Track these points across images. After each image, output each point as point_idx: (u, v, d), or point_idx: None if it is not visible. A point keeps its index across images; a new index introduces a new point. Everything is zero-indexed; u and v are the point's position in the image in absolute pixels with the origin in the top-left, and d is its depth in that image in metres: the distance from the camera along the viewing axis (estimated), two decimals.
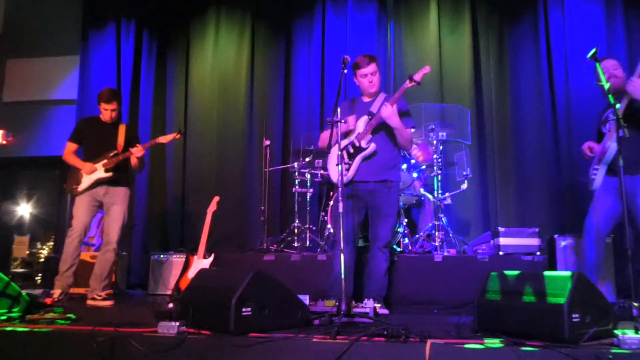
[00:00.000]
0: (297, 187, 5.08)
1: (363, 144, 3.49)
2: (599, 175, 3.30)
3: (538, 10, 5.60)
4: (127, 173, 4.24)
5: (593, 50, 2.86)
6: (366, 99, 3.67)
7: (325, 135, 3.70)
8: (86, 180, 4.05)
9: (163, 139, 4.23)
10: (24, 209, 7.00)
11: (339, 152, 3.00)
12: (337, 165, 2.98)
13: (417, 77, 3.33)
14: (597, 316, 2.18)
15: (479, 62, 5.70)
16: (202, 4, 6.41)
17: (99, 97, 4.12)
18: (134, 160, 4.12)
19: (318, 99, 5.94)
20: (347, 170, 3.47)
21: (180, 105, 6.28)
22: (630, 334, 2.05)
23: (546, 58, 5.49)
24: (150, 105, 6.25)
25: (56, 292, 3.87)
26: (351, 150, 3.52)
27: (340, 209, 2.90)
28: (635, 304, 2.37)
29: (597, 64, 2.97)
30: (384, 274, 3.48)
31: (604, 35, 5.30)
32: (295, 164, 5.10)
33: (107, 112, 4.10)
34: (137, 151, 4.04)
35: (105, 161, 4.06)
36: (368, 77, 3.55)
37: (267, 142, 5.28)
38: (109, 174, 4.04)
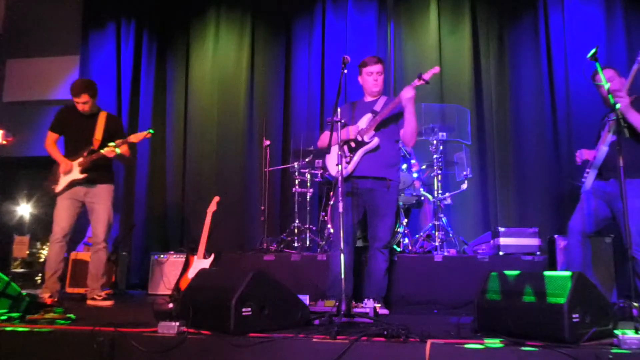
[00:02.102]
0: (297, 187, 5.08)
1: (366, 138, 3.49)
2: (589, 178, 3.32)
3: (538, 10, 5.60)
4: (109, 169, 4.09)
5: (593, 51, 2.86)
6: (368, 99, 3.67)
7: (325, 136, 3.70)
8: (63, 181, 3.93)
9: (134, 138, 3.98)
10: (24, 209, 7.01)
11: (339, 152, 3.00)
12: (337, 165, 2.98)
13: (427, 76, 3.36)
14: (597, 316, 2.18)
15: (479, 62, 5.70)
16: (202, 4, 6.41)
17: (70, 89, 3.98)
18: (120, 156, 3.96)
19: (318, 99, 5.94)
20: (348, 163, 3.47)
21: (180, 105, 6.28)
22: (630, 334, 2.05)
23: (546, 58, 5.50)
24: (150, 105, 6.25)
25: (45, 297, 3.81)
26: (353, 145, 3.52)
27: (340, 209, 2.90)
28: (635, 304, 2.37)
29: (598, 64, 2.98)
30: (383, 274, 3.48)
31: (604, 35, 5.30)
32: (295, 164, 5.10)
33: (78, 105, 3.97)
34: (108, 152, 3.86)
35: (81, 160, 3.93)
36: (374, 75, 3.57)
37: (267, 142, 5.28)
38: (84, 176, 3.91)
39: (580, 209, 3.37)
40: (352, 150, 3.51)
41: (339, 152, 3.00)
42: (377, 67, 3.56)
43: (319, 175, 5.03)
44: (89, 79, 4.15)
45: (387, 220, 3.50)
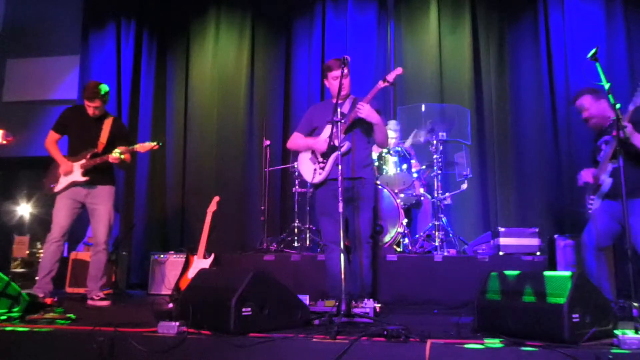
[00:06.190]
0: (297, 187, 5.08)
1: (336, 142, 3.48)
2: (594, 206, 3.37)
3: (538, 10, 5.60)
4: (110, 171, 4.08)
5: (593, 51, 2.87)
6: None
7: (295, 138, 3.72)
8: (63, 181, 3.91)
9: (140, 148, 3.98)
10: (24, 209, 7.00)
11: (339, 152, 3.00)
12: (337, 165, 2.98)
13: (390, 77, 3.42)
14: (597, 316, 2.18)
15: (479, 62, 5.70)
16: (202, 4, 6.41)
17: (82, 91, 3.95)
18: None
19: (318, 99, 5.93)
20: (322, 169, 3.47)
21: (180, 105, 6.28)
22: (630, 334, 2.05)
23: (546, 58, 5.50)
24: (150, 105, 6.25)
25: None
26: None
27: (341, 209, 2.90)
28: (635, 304, 2.37)
29: (597, 64, 2.98)
30: (367, 269, 3.46)
31: (604, 35, 5.30)
32: (295, 164, 5.09)
33: (89, 108, 3.96)
34: (112, 158, 3.85)
35: (83, 161, 3.91)
36: (339, 79, 3.54)
37: (267, 142, 5.28)
38: (86, 178, 3.89)
39: (592, 224, 3.37)
40: (325, 156, 3.51)
41: (339, 152, 2.99)
42: (342, 71, 3.47)
43: None
44: (102, 82, 4.09)
45: (365, 214, 3.49)
